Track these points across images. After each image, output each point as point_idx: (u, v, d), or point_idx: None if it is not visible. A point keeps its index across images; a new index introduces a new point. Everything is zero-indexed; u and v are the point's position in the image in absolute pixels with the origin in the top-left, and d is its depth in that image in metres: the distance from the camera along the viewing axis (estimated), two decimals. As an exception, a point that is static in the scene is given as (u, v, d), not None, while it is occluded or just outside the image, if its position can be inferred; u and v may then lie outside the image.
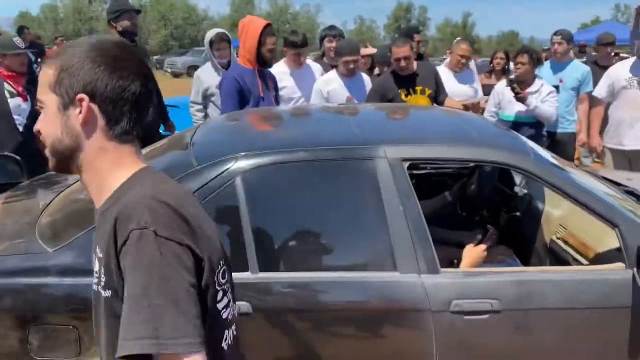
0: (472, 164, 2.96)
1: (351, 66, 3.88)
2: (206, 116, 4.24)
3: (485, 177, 3.00)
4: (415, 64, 3.94)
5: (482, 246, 2.21)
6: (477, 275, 1.99)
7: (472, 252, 2.20)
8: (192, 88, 4.28)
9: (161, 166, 2.26)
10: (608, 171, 3.59)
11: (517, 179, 3.01)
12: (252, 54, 3.57)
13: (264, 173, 2.01)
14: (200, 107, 4.23)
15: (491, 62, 6.04)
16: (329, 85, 3.92)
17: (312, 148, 2.05)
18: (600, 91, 4.30)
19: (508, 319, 1.96)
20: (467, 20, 67.92)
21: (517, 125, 4.07)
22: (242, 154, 2.02)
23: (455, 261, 2.15)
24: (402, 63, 3.76)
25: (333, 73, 4.02)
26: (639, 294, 1.94)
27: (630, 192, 2.61)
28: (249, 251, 1.94)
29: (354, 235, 2.02)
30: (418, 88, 3.86)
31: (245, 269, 1.94)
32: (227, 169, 1.99)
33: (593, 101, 4.47)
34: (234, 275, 1.96)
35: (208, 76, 4.18)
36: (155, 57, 38.49)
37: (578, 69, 4.69)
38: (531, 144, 2.37)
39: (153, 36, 50.69)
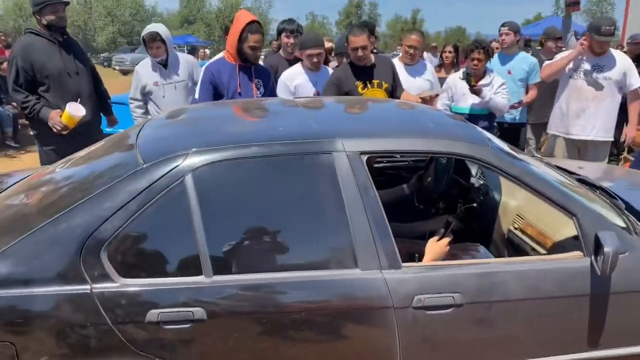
0: (428, 156, 2.94)
1: (315, 60, 3.77)
2: (146, 112, 4.08)
3: (441, 169, 2.98)
4: (372, 56, 3.87)
5: (445, 240, 2.17)
6: (438, 268, 1.95)
7: (435, 247, 2.16)
8: (132, 83, 4.11)
9: (105, 166, 2.12)
10: (560, 160, 3.65)
11: (473, 170, 3.01)
12: (233, 48, 3.51)
13: (217, 170, 1.90)
14: (140, 103, 4.08)
15: (440, 56, 6.10)
16: (295, 79, 3.82)
17: (267, 143, 1.95)
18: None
19: (471, 313, 1.93)
20: (416, 16, 69.07)
21: (471, 117, 4.10)
22: (193, 150, 1.91)
23: (417, 255, 2.10)
24: (360, 53, 3.65)
25: (298, 67, 3.91)
26: (597, 282, 1.94)
27: (582, 181, 2.64)
28: (202, 254, 1.83)
29: (313, 232, 1.94)
30: (375, 81, 3.77)
31: (199, 273, 1.83)
32: (176, 166, 1.87)
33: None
34: (187, 279, 1.87)
35: (146, 72, 4.02)
36: (102, 55, 37.21)
37: (526, 60, 4.77)
38: (487, 134, 2.36)
39: (100, 33, 49.01)
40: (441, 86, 4.42)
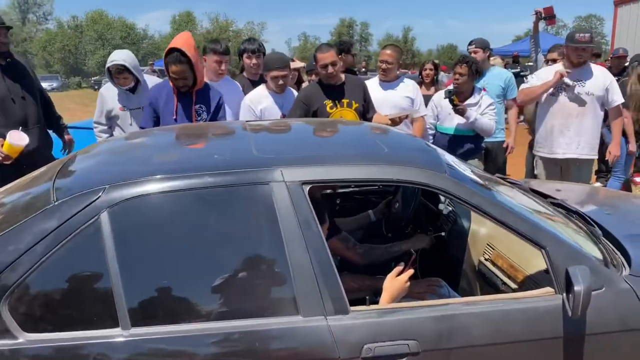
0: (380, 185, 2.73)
1: (280, 82, 3.57)
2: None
3: (409, 194, 2.78)
4: (343, 76, 3.69)
5: (405, 276, 1.95)
6: (392, 312, 1.73)
7: (394, 283, 1.94)
8: (97, 107, 3.89)
9: (20, 203, 1.91)
10: (538, 182, 3.46)
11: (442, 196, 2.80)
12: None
13: (138, 206, 1.68)
14: (105, 127, 3.85)
15: (420, 73, 5.95)
16: (261, 103, 3.60)
17: (196, 173, 1.74)
18: (531, 81, 4.18)
19: (429, 362, 1.71)
20: (408, 35, 69.72)
21: (456, 138, 3.93)
22: (111, 184, 1.69)
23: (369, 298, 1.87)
24: (329, 69, 3.47)
25: (263, 89, 3.68)
26: (570, 322, 1.73)
27: (559, 205, 2.44)
28: (118, 302, 1.60)
29: (248, 274, 1.72)
30: (345, 101, 3.59)
31: (115, 325, 1.60)
32: (91, 202, 1.65)
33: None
34: (101, 333, 1.64)
35: (112, 96, 3.81)
36: (93, 78, 37.14)
37: (500, 75, 4.62)
38: (450, 158, 2.16)
39: (90, 57, 49.11)
40: (425, 105, 4.23)
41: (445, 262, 2.57)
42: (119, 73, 3.69)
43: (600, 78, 3.90)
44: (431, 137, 4.20)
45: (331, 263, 1.72)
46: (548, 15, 4.50)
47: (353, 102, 3.61)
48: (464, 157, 3.89)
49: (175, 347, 1.61)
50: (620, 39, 17.28)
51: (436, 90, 5.58)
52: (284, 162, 1.80)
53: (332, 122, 2.96)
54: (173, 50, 3.18)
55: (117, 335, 1.59)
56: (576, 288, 1.63)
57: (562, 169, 4.11)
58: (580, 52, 3.88)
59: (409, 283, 1.96)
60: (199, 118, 3.33)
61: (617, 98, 3.91)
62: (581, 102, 3.90)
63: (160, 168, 1.80)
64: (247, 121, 2.52)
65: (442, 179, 1.83)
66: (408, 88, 4.14)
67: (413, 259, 1.98)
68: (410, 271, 1.96)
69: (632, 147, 5.04)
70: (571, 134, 3.95)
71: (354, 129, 2.53)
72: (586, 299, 1.63)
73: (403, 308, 1.75)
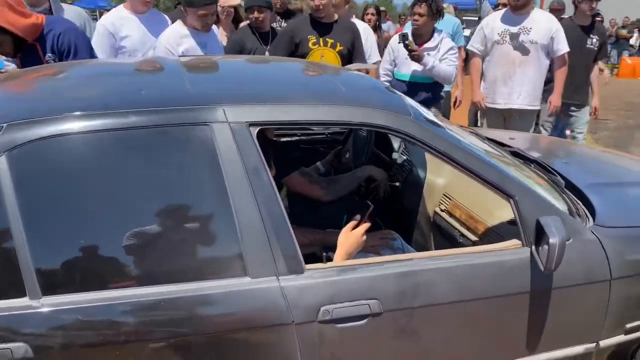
0: (344, 128, 2.53)
1: (209, 21, 3.18)
2: None
3: (361, 143, 2.58)
4: (336, 15, 3.50)
5: (361, 229, 1.77)
6: (351, 270, 1.54)
7: (350, 238, 1.75)
8: None
9: None
10: (490, 130, 3.36)
11: (396, 144, 2.62)
12: None
13: (47, 149, 1.37)
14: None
15: (362, 19, 5.68)
16: (181, 44, 3.16)
17: (119, 111, 1.44)
18: (475, 45, 4.05)
19: (391, 322, 1.55)
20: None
21: (413, 85, 3.67)
22: (9, 122, 1.36)
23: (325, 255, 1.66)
24: (317, 1, 3.29)
25: (181, 27, 3.23)
26: (538, 276, 1.62)
27: (516, 154, 2.32)
28: (24, 267, 1.31)
29: (186, 231, 1.46)
30: (329, 40, 3.41)
31: (21, 294, 1.31)
32: (-16, 146, 1.32)
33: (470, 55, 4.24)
34: (2, 304, 1.34)
35: None
36: None
37: (449, 22, 4.44)
38: (411, 101, 1.96)
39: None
40: None
41: (399, 214, 2.42)
42: None
43: (546, 26, 3.79)
44: (387, 85, 3.94)
45: (284, 217, 1.49)
46: None
47: (338, 43, 3.43)
48: (422, 105, 3.67)
49: (98, 318, 1.35)
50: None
51: (378, 38, 5.34)
52: (227, 100, 1.53)
53: (283, 59, 2.68)
54: None
55: (24, 306, 1.31)
56: (551, 240, 1.50)
57: (505, 119, 4.05)
58: None
59: (365, 237, 1.78)
60: None
61: (562, 47, 3.83)
62: (524, 51, 3.80)
63: (75, 104, 1.47)
64: (180, 56, 2.19)
65: (408, 122, 1.63)
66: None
67: (370, 211, 1.79)
68: (367, 224, 1.78)
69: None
70: (513, 83, 3.86)
71: (307, 66, 2.26)
72: (561, 251, 1.51)
73: (363, 265, 1.57)
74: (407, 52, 3.50)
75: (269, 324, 1.45)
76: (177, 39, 3.17)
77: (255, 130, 1.51)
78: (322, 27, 3.42)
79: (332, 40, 3.42)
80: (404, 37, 3.44)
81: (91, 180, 1.40)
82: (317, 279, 1.50)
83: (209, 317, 1.43)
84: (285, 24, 3.70)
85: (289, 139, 3.00)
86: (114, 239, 1.40)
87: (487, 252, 1.68)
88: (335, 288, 1.50)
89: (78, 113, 1.41)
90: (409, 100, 1.92)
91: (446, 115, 4.59)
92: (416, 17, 3.58)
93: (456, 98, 4.46)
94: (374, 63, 3.95)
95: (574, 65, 4.28)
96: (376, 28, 5.47)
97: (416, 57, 3.49)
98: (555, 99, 4.08)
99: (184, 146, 1.46)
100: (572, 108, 4.44)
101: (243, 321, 1.44)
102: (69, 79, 1.81)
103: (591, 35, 4.35)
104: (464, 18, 15.13)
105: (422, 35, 3.66)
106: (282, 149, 2.69)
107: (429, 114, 1.94)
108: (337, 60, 3.45)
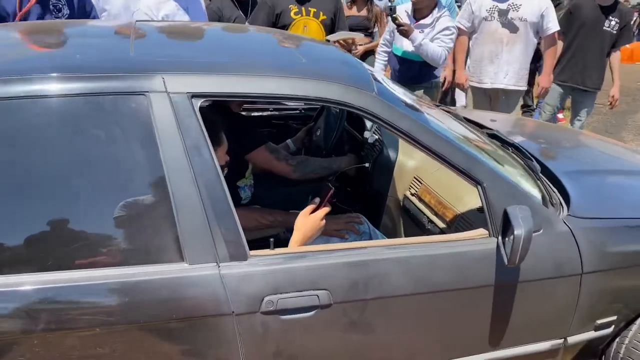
0: (300, 103, 2.38)
1: None
2: None
3: (332, 120, 2.44)
4: None
5: (320, 213, 1.65)
6: (298, 257, 1.42)
7: (307, 222, 1.63)
8: None
9: None
10: (472, 111, 3.22)
11: (369, 122, 2.48)
12: None
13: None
14: None
15: None
16: (162, 9, 2.94)
17: (45, 76, 1.29)
18: (462, 21, 3.86)
19: (342, 315, 1.44)
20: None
21: (404, 62, 3.47)
22: None
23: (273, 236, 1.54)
24: None
25: None
26: (503, 269, 1.51)
27: (494, 137, 2.19)
28: None
29: (116, 212, 1.33)
30: (312, 9, 3.24)
31: None
32: None
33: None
34: None
35: None
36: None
37: None
38: (381, 77, 1.82)
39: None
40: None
41: (368, 196, 2.30)
42: None
43: (536, 2, 3.60)
44: (385, 55, 3.74)
45: (227, 198, 1.36)
46: None
47: (321, 13, 3.27)
48: (409, 84, 3.48)
49: (13, 305, 1.23)
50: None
51: (368, 12, 5.11)
52: (169, 68, 1.39)
53: (249, 28, 2.51)
54: None
55: None
56: (516, 232, 1.39)
57: (492, 99, 3.91)
58: None
59: (324, 221, 1.66)
60: (58, 14, 2.66)
61: (552, 25, 3.65)
62: (513, 28, 3.63)
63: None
64: (137, 20, 2.02)
65: (369, 98, 1.49)
66: None
67: (330, 193, 1.67)
68: (326, 209, 1.66)
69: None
70: (500, 62, 3.69)
71: (270, 35, 2.10)
72: (526, 244, 1.39)
73: (312, 252, 1.45)
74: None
75: (207, 314, 1.34)
76: (157, 3, 2.96)
77: (197, 103, 1.37)
78: None
79: (315, 9, 3.26)
80: (391, 10, 3.22)
81: (9, 154, 1.26)
82: (261, 267, 1.38)
83: (140, 304, 1.30)
84: None
85: (261, 113, 2.86)
86: (35, 218, 1.27)
87: (450, 241, 1.56)
88: (280, 277, 1.39)
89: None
90: (379, 76, 1.78)
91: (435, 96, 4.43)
92: None
93: (445, 78, 4.28)
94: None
95: (585, 46, 4.11)
96: (367, 1, 5.24)
97: (404, 32, 3.24)
98: (544, 81, 3.93)
99: (116, 118, 1.32)
100: (578, 92, 4.27)
101: (178, 310, 1.32)
102: (9, 38, 1.65)
103: (610, 17, 4.06)
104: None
105: (421, 10, 3.39)
106: (252, 124, 2.53)
107: (398, 90, 1.80)
108: (320, 30, 3.30)
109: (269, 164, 2.17)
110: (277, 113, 2.86)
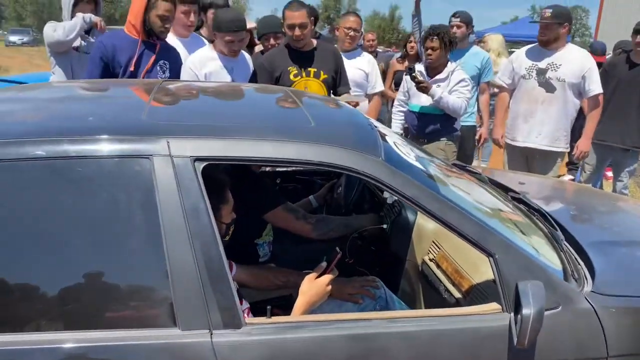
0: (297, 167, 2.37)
1: (236, 47, 3.06)
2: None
3: (354, 178, 2.41)
4: (314, 42, 3.28)
5: (325, 278, 1.61)
6: (295, 328, 1.37)
7: (312, 287, 1.59)
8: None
9: None
10: (501, 173, 3.13)
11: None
12: (138, 19, 2.83)
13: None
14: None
15: (405, 46, 5.55)
16: (206, 66, 3.07)
17: (52, 138, 1.34)
18: (503, 78, 3.84)
19: (338, 392, 1.36)
20: (395, 13, 68.74)
21: (423, 117, 3.55)
22: None
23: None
24: (297, 31, 3.04)
25: (209, 50, 3.16)
26: (516, 350, 1.40)
27: (520, 201, 2.10)
28: None
29: (111, 273, 1.33)
30: (312, 70, 3.18)
31: None
32: None
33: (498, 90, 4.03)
34: None
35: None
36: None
37: (478, 56, 4.23)
38: (393, 138, 1.79)
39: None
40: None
41: (385, 259, 2.23)
42: (87, 3, 3.37)
43: (578, 63, 3.51)
44: (402, 115, 3.83)
45: (223, 264, 1.35)
46: None
47: (322, 72, 3.20)
48: (430, 138, 3.54)
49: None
50: (604, 34, 17.05)
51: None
52: (174, 131, 1.41)
53: (267, 88, 2.56)
54: None
55: None
56: (524, 311, 1.30)
57: (528, 158, 3.79)
58: (542, 29, 3.52)
59: (330, 287, 1.61)
60: (162, 75, 2.90)
61: (595, 87, 3.51)
62: (550, 88, 3.54)
63: (13, 128, 1.39)
64: (164, 80, 2.10)
65: (374, 163, 1.46)
66: (363, 60, 3.80)
67: (337, 258, 1.62)
68: (332, 274, 1.62)
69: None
70: (534, 121, 3.61)
71: (288, 96, 2.12)
72: (536, 324, 1.30)
73: (311, 322, 1.40)
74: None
75: (195, 384, 1.30)
76: (202, 61, 3.09)
77: (200, 166, 1.38)
78: (302, 57, 3.17)
79: (315, 69, 3.20)
80: (410, 70, 3.36)
81: (11, 213, 1.30)
82: (254, 336, 1.34)
83: (130, 370, 1.28)
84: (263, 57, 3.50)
85: (285, 169, 2.87)
86: (33, 277, 1.29)
87: (460, 315, 1.48)
88: (275, 348, 1.34)
89: (7, 140, 1.32)
90: (391, 138, 1.76)
91: (469, 151, 4.36)
92: (429, 51, 3.46)
93: (480, 135, 4.23)
94: (376, 93, 3.82)
95: (623, 104, 3.98)
96: (418, 56, 5.32)
97: (423, 89, 3.36)
98: (583, 144, 3.76)
99: (119, 180, 1.35)
100: (618, 151, 4.11)
101: (167, 378, 1.29)
102: (31, 100, 1.74)
103: None
104: (510, 50, 14.76)
105: (436, 68, 3.53)
106: (271, 183, 2.53)
107: (412, 154, 1.77)
108: (322, 89, 3.23)
109: (288, 223, 2.16)
110: (301, 168, 2.87)
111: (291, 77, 3.14)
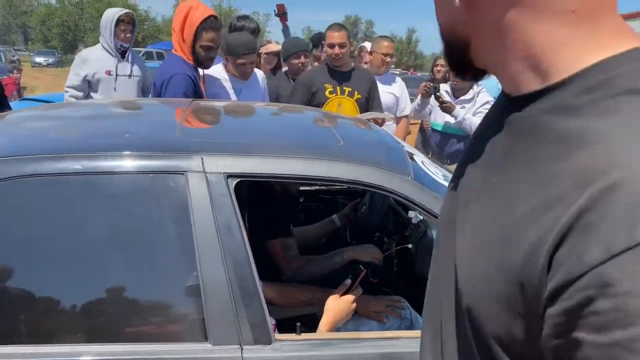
0: (327, 184, 2.36)
1: (248, 70, 3.14)
2: None
3: (378, 196, 2.42)
4: (352, 64, 3.46)
5: (350, 296, 1.61)
6: (325, 345, 1.38)
7: (337, 304, 1.59)
8: (72, 70, 3.54)
9: None
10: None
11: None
12: (188, 49, 2.86)
13: (11, 190, 1.32)
14: (78, 93, 3.48)
15: (432, 70, 5.60)
16: (214, 84, 3.14)
17: (88, 154, 1.37)
18: None
19: (369, 410, 1.36)
20: (412, 36, 69.30)
21: (445, 136, 3.61)
22: (-22, 160, 1.33)
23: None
24: (336, 50, 3.24)
25: (222, 70, 3.22)
26: None
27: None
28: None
29: (145, 287, 1.36)
30: (347, 89, 3.33)
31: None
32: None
33: None
34: None
35: (96, 58, 3.49)
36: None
37: (493, 80, 4.24)
38: (420, 157, 1.80)
39: (89, 34, 48.43)
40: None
41: (411, 279, 2.22)
42: (128, 23, 3.53)
43: None
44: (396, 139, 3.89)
45: (255, 280, 1.36)
46: (280, 12, 4.26)
47: (356, 92, 3.34)
48: (452, 158, 3.56)
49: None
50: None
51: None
52: (208, 148, 1.44)
53: (295, 108, 2.59)
54: (209, 16, 2.85)
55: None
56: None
57: None
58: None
59: (355, 304, 1.61)
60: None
61: None
62: None
63: (52, 145, 1.43)
64: (193, 100, 2.15)
65: (403, 181, 1.47)
66: (395, 85, 3.86)
67: (362, 275, 1.63)
68: (358, 292, 1.62)
69: None
70: None
71: (316, 115, 2.16)
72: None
73: (340, 339, 1.40)
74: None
75: (225, 399, 1.31)
76: (211, 79, 3.16)
77: (233, 183, 1.40)
78: (339, 76, 3.35)
79: (350, 89, 3.34)
80: (435, 89, 3.41)
81: (48, 227, 1.33)
82: (284, 352, 1.34)
83: (163, 384, 1.29)
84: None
85: (309, 188, 2.88)
86: (70, 290, 1.32)
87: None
88: (306, 364, 1.34)
89: (41, 155, 1.36)
90: (418, 159, 1.77)
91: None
92: (438, 67, 3.61)
93: None
94: (405, 116, 3.85)
95: None
96: (445, 79, 5.36)
97: (447, 109, 3.41)
98: None
99: (155, 196, 1.38)
100: None
101: (199, 393, 1.30)
102: (70, 118, 1.79)
103: None
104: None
105: (462, 89, 3.61)
106: (286, 211, 2.47)
107: (440, 174, 1.78)
108: (355, 108, 3.36)
109: (277, 258, 2.08)
110: (324, 187, 2.88)
111: (327, 93, 3.30)
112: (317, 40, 4.65)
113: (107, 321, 1.31)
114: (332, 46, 3.27)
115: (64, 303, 1.31)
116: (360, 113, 3.31)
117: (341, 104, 3.31)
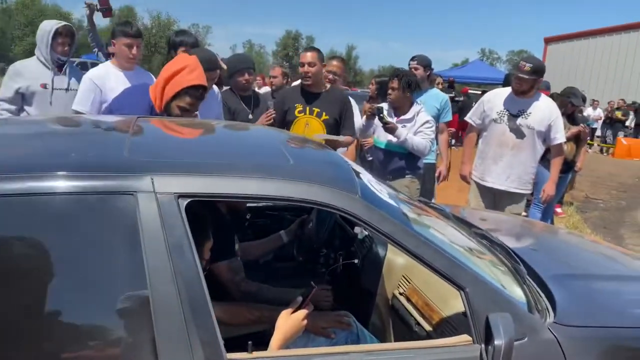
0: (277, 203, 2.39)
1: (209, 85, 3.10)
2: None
3: (325, 213, 2.47)
4: (328, 85, 3.68)
5: (301, 313, 1.63)
6: (277, 362, 1.40)
7: (288, 322, 1.61)
8: (3, 82, 3.42)
9: None
10: (462, 208, 3.26)
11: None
12: (163, 100, 2.57)
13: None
14: (10, 106, 3.36)
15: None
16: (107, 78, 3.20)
17: (34, 175, 1.34)
18: (473, 118, 4.06)
19: None
20: (351, 52, 70.73)
21: (388, 153, 3.72)
22: None
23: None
24: (306, 68, 3.47)
25: (109, 66, 3.33)
26: (488, 379, 1.46)
27: (483, 236, 2.21)
28: None
29: (94, 311, 1.33)
30: (315, 109, 3.52)
31: None
32: None
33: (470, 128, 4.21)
34: None
35: (30, 71, 3.38)
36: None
37: (437, 97, 4.45)
38: (367, 176, 1.87)
39: (18, 43, 46.17)
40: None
41: (357, 294, 2.28)
42: (66, 36, 3.43)
43: (546, 113, 3.73)
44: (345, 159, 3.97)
45: (206, 300, 1.36)
46: (104, 7, 4.17)
47: (324, 113, 3.53)
48: (394, 174, 3.67)
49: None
50: (548, 75, 18.05)
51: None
52: (158, 168, 1.44)
53: (245, 126, 2.61)
54: (200, 85, 2.56)
55: None
56: (496, 342, 1.37)
57: (495, 197, 3.96)
58: (518, 80, 3.72)
59: (305, 322, 1.64)
60: None
61: (559, 136, 3.76)
62: (520, 134, 3.76)
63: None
64: (138, 117, 2.12)
65: (351, 200, 1.53)
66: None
67: (313, 293, 1.66)
68: (308, 309, 1.65)
69: None
70: (503, 164, 3.81)
71: (265, 134, 2.19)
72: (507, 354, 1.37)
73: (292, 356, 1.43)
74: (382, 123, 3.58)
75: (178, 421, 1.30)
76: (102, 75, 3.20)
77: (184, 203, 1.41)
78: (310, 97, 3.54)
79: (318, 110, 3.52)
80: (378, 110, 3.55)
81: (-7, 248, 1.29)
82: (237, 372, 1.35)
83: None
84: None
85: (256, 204, 2.90)
86: (11, 316, 1.27)
87: (433, 347, 1.54)
88: (257, 382, 1.35)
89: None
90: (365, 177, 1.83)
91: (430, 187, 4.50)
92: (390, 91, 3.73)
93: (440, 172, 4.40)
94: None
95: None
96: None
97: (390, 129, 3.56)
98: (549, 188, 3.95)
99: (104, 217, 1.36)
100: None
101: (149, 416, 1.28)
102: (9, 136, 1.73)
103: None
104: (470, 92, 15.29)
105: (400, 108, 3.75)
106: (231, 232, 2.45)
107: (384, 191, 1.85)
108: (321, 129, 3.52)
109: (223, 280, 2.06)
110: (271, 204, 2.90)
111: (296, 112, 3.53)
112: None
113: (54, 347, 1.27)
114: (302, 65, 3.49)
115: (11, 330, 1.26)
116: (329, 133, 3.43)
117: (309, 123, 3.49)
